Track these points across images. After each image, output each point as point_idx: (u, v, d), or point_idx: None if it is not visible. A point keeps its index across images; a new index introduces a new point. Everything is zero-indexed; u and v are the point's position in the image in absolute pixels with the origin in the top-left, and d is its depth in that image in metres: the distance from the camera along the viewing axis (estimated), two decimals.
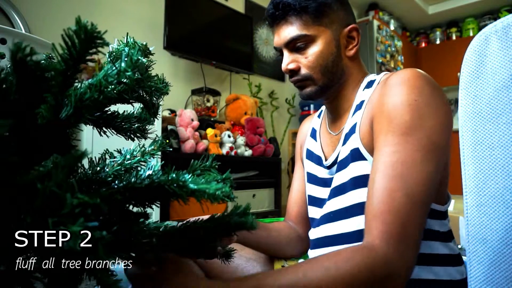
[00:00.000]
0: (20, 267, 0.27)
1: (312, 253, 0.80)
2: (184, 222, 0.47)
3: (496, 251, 0.45)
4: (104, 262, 0.22)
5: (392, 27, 4.33)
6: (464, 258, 0.72)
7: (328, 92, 0.78)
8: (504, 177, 0.45)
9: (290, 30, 0.74)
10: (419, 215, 0.56)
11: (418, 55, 4.81)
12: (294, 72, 0.76)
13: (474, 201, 0.48)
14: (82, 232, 0.21)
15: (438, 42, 4.80)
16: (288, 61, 0.76)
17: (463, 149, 0.49)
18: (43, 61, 0.43)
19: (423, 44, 4.89)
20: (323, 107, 0.92)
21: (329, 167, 0.79)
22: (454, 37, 4.68)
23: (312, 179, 0.85)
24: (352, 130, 0.71)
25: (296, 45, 0.74)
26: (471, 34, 4.48)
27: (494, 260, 0.45)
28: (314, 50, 0.74)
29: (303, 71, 0.75)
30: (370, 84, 0.74)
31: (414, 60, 4.67)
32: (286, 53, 0.76)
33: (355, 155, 0.69)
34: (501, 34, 0.47)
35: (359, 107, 0.73)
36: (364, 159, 0.67)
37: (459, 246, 1.80)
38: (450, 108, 0.63)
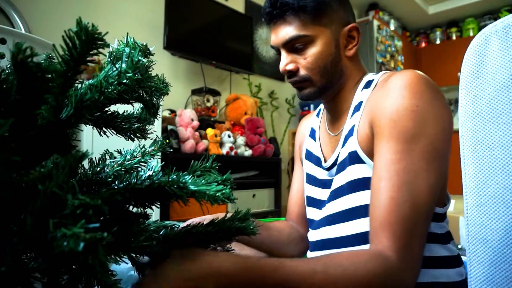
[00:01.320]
0: (20, 267, 0.27)
1: (311, 255, 0.80)
2: (185, 225, 0.46)
3: (496, 251, 0.45)
4: (104, 263, 0.22)
5: (392, 27, 4.33)
6: (464, 258, 0.72)
7: (327, 93, 0.77)
8: (504, 177, 0.45)
9: (288, 30, 0.72)
10: (424, 224, 0.57)
11: (418, 55, 4.81)
12: (292, 73, 0.74)
13: (474, 201, 0.48)
14: (83, 233, 0.21)
15: (438, 42, 4.80)
16: (286, 61, 0.74)
17: (463, 149, 0.49)
18: (43, 61, 0.43)
19: (423, 44, 4.90)
20: (322, 106, 0.91)
21: (328, 169, 0.78)
22: (454, 37, 4.68)
23: (311, 180, 0.84)
24: (351, 132, 0.70)
25: (295, 46, 0.72)
26: (471, 34, 4.48)
27: (494, 260, 0.45)
28: (313, 51, 0.72)
29: (302, 72, 0.73)
30: (368, 84, 0.73)
31: (414, 60, 4.67)
32: (284, 53, 0.74)
33: (353, 158, 0.68)
34: (501, 34, 0.47)
35: (357, 108, 0.72)
36: (362, 162, 0.67)
37: (459, 246, 1.81)
38: (450, 112, 0.63)
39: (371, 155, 0.65)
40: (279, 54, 0.76)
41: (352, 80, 0.77)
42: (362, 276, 0.51)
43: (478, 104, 0.48)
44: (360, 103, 0.71)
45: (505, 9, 4.23)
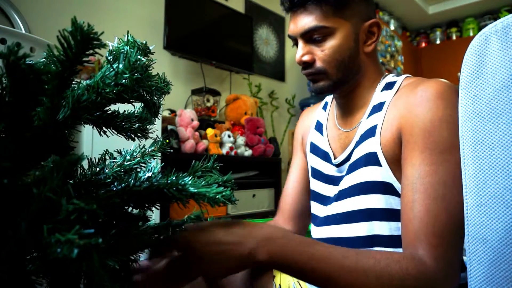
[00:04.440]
0: (19, 269, 0.27)
1: None
2: None
3: (496, 251, 0.45)
4: (99, 269, 0.22)
5: (392, 27, 4.32)
6: (464, 258, 0.72)
7: (342, 88, 0.75)
8: (504, 177, 0.45)
9: (308, 20, 0.69)
10: (460, 235, 0.56)
11: (418, 55, 4.80)
12: (308, 65, 0.73)
13: (474, 201, 0.47)
14: (77, 240, 0.21)
15: (438, 42, 4.79)
16: (303, 52, 0.72)
17: (463, 149, 0.49)
18: (43, 60, 0.43)
19: (423, 44, 4.88)
20: (328, 99, 0.89)
21: (338, 165, 0.76)
22: (454, 37, 4.67)
23: (317, 174, 0.82)
24: (371, 133, 0.68)
25: (313, 37, 0.70)
26: (471, 34, 4.47)
27: (494, 260, 0.45)
28: (332, 43, 0.70)
29: (318, 64, 0.71)
30: (389, 86, 0.71)
31: (414, 60, 4.66)
32: (301, 43, 0.72)
33: (370, 159, 0.67)
34: (501, 34, 0.46)
35: (377, 108, 0.70)
36: (379, 165, 0.66)
37: None
38: None
39: (391, 160, 0.65)
40: (296, 44, 0.75)
41: (369, 77, 0.75)
42: (395, 272, 0.51)
43: (478, 104, 0.48)
44: (381, 104, 0.70)
45: (505, 9, 4.22)
